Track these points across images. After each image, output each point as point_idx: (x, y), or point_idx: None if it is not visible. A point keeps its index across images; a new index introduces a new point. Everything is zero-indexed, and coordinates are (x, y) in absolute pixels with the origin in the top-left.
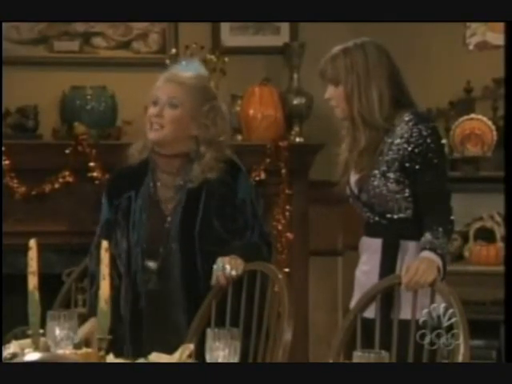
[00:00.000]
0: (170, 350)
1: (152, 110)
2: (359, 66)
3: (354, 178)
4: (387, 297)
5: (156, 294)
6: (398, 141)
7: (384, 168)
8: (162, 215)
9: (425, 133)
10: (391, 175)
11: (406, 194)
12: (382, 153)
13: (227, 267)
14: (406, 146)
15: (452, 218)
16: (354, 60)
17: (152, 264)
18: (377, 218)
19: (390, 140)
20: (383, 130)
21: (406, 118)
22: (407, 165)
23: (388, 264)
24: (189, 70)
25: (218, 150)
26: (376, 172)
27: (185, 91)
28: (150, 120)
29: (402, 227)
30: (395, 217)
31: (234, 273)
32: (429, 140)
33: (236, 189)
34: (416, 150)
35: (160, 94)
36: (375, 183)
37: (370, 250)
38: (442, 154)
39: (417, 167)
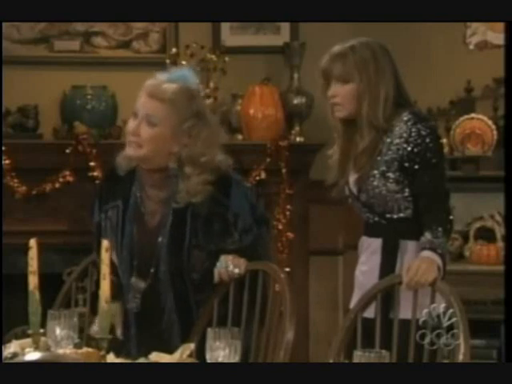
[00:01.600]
0: None
1: (130, 125)
2: (370, 65)
3: (352, 177)
4: (387, 296)
5: (136, 314)
6: (397, 141)
7: (383, 168)
8: (148, 230)
9: (423, 132)
10: (391, 175)
11: (406, 194)
12: (381, 153)
13: (230, 265)
14: (405, 145)
15: (451, 217)
16: (364, 58)
17: (139, 283)
18: (376, 218)
19: (388, 140)
20: (382, 130)
21: (405, 118)
22: (406, 165)
23: (388, 264)
24: (175, 80)
25: (203, 171)
26: (375, 172)
27: (165, 109)
28: (127, 136)
29: (402, 227)
30: (395, 217)
31: (236, 271)
32: (428, 140)
33: (229, 205)
34: (415, 150)
35: (140, 107)
36: (375, 183)
37: (370, 249)
38: (440, 154)
39: (416, 167)
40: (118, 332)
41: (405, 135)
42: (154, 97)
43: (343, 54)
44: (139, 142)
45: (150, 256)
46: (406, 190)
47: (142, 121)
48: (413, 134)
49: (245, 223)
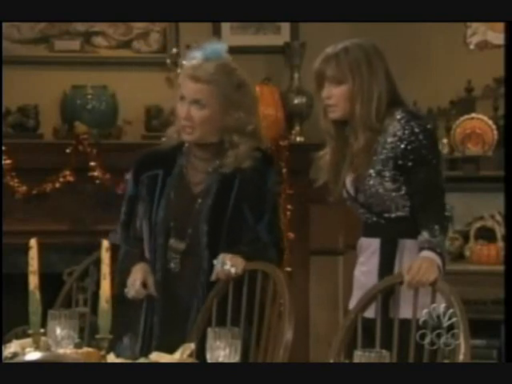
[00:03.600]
0: (180, 334)
1: (180, 111)
2: (363, 66)
3: (349, 179)
4: (388, 296)
5: (175, 273)
6: (391, 139)
7: (379, 167)
8: (191, 196)
9: (417, 130)
10: (387, 174)
11: (403, 192)
12: (376, 152)
13: (227, 263)
14: (398, 143)
15: (447, 214)
16: (357, 59)
17: (178, 243)
18: (375, 218)
19: (383, 139)
20: (376, 129)
21: (398, 116)
22: (400, 162)
23: (386, 264)
24: (210, 57)
25: (250, 139)
26: (371, 171)
27: (210, 89)
28: (181, 121)
29: (400, 226)
30: (393, 216)
31: (233, 270)
32: (421, 137)
33: (266, 178)
34: (409, 147)
35: (185, 92)
36: (371, 183)
37: (369, 250)
38: (434, 151)
39: (410, 164)
40: (152, 290)
41: (398, 133)
42: (197, 80)
43: (336, 55)
44: (193, 125)
45: (187, 217)
46: (403, 188)
47: (191, 105)
48: (406, 132)
49: (269, 204)
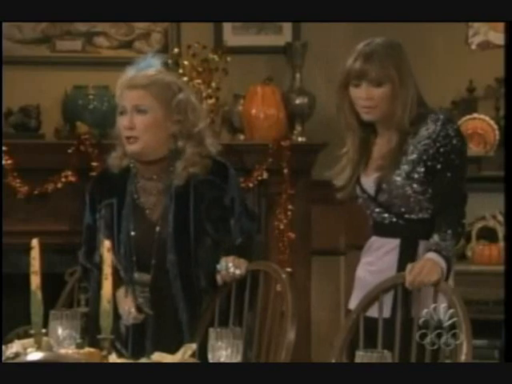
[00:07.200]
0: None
1: (122, 122)
2: (404, 65)
3: (369, 177)
4: (407, 295)
5: (150, 307)
6: (424, 141)
7: (409, 168)
8: (148, 224)
9: (452, 133)
10: (415, 175)
11: (429, 195)
12: (407, 153)
13: (230, 266)
14: (432, 145)
15: (464, 221)
16: (399, 59)
17: (143, 276)
18: (394, 219)
19: (415, 141)
20: (405, 130)
21: (433, 119)
22: (429, 164)
23: (406, 264)
24: (145, 68)
25: (197, 143)
26: (400, 172)
27: (150, 94)
28: (123, 133)
29: (420, 227)
30: (414, 217)
31: (238, 272)
32: (454, 141)
33: (226, 190)
34: (441, 150)
35: (125, 102)
36: (399, 184)
37: (382, 250)
38: (464, 156)
39: (438, 166)
40: (147, 310)
41: (433, 136)
42: (134, 87)
43: (378, 54)
44: (136, 134)
45: (149, 247)
46: (429, 190)
47: (133, 113)
48: (441, 134)
49: (236, 210)
